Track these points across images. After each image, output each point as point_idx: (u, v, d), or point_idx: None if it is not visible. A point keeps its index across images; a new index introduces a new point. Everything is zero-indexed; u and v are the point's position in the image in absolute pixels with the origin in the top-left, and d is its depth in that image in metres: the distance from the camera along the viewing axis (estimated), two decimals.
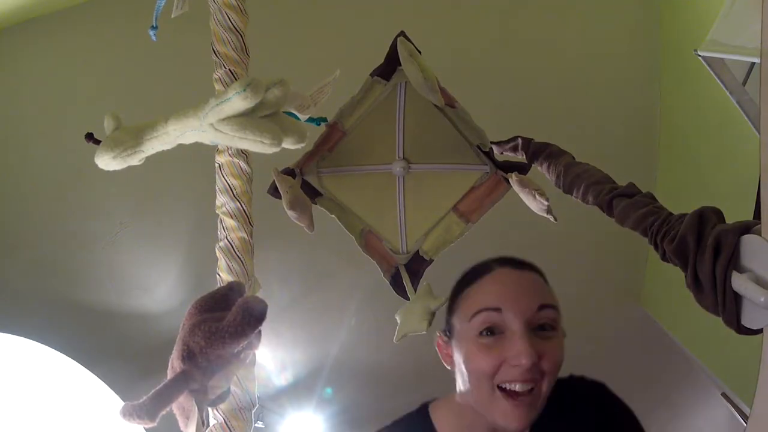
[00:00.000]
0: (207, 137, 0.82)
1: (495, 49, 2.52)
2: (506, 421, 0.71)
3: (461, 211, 1.24)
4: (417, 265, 1.26)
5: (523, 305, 0.74)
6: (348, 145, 1.19)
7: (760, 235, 0.60)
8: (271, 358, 3.22)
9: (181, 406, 0.53)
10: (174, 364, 0.53)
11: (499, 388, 0.71)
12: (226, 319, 0.50)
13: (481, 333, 0.74)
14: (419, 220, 1.26)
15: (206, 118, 0.78)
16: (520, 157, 1.23)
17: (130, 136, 0.83)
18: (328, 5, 2.49)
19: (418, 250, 1.27)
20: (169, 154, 0.88)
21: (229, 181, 0.94)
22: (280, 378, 3.23)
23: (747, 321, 0.62)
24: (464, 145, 1.19)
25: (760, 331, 0.61)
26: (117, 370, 2.64)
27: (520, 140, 1.22)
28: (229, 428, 0.85)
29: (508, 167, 1.19)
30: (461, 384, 0.78)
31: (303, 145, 0.89)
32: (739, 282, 0.61)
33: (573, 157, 1.11)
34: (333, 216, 1.22)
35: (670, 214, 0.78)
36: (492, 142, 1.25)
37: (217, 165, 0.96)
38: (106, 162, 0.83)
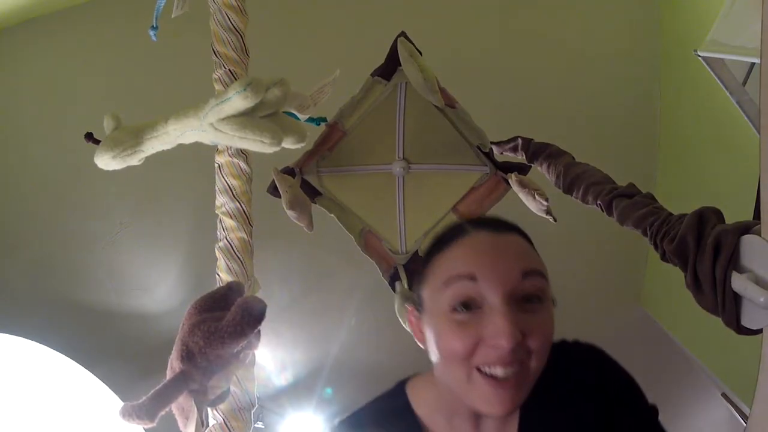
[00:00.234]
0: (207, 137, 0.82)
1: (495, 48, 2.52)
2: (488, 406, 0.61)
3: (461, 211, 1.24)
4: (416, 265, 1.26)
5: (503, 273, 0.62)
6: (348, 144, 1.19)
7: (760, 236, 0.60)
8: (270, 358, 3.21)
9: (181, 406, 0.53)
10: (173, 365, 0.53)
11: (478, 370, 0.61)
12: (225, 319, 0.50)
13: (454, 308, 0.62)
14: (419, 220, 1.27)
15: (206, 117, 0.78)
16: (520, 157, 1.23)
17: (129, 136, 0.83)
18: (328, 5, 2.49)
19: (417, 251, 1.27)
20: (169, 154, 0.88)
21: (228, 181, 0.94)
22: (280, 378, 3.23)
23: (747, 321, 0.62)
24: (464, 146, 1.19)
25: (759, 331, 0.61)
26: (117, 370, 2.64)
27: (520, 140, 1.22)
28: (228, 428, 0.85)
29: (507, 168, 1.19)
30: (435, 364, 0.68)
31: (303, 145, 0.89)
32: (738, 282, 0.61)
33: (573, 158, 1.12)
34: (332, 215, 1.23)
35: (670, 214, 0.78)
36: (492, 143, 1.25)
37: (216, 165, 0.96)
38: (106, 162, 0.84)
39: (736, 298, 0.62)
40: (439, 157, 1.24)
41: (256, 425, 3.04)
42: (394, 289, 1.22)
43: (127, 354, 2.93)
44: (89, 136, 0.86)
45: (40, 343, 2.42)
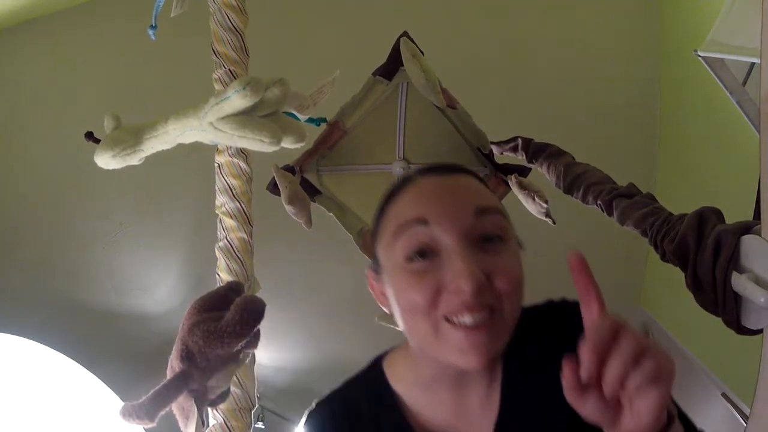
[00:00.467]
0: (207, 136, 0.82)
1: (494, 49, 2.52)
2: (462, 357, 0.56)
3: None
4: None
5: (455, 212, 0.58)
6: (348, 144, 1.19)
7: (760, 236, 0.60)
8: (270, 358, 3.22)
9: (181, 406, 0.53)
10: (173, 364, 0.53)
11: (446, 320, 0.56)
12: (224, 319, 0.50)
13: (409, 257, 0.58)
14: None
15: (206, 117, 0.78)
16: (520, 157, 1.23)
17: (129, 136, 0.83)
18: (328, 5, 2.49)
19: None
20: (169, 154, 0.88)
21: (228, 181, 0.94)
22: (280, 378, 3.23)
23: (747, 321, 0.62)
24: (464, 147, 1.19)
25: (760, 331, 0.61)
26: (117, 370, 2.64)
27: (520, 140, 1.22)
28: (228, 428, 0.85)
29: (507, 169, 1.19)
30: (401, 326, 0.63)
31: (302, 144, 0.89)
32: (739, 282, 0.61)
33: (573, 158, 1.12)
34: (331, 214, 1.23)
35: (670, 214, 0.78)
36: (492, 143, 1.25)
37: (216, 165, 0.96)
38: (106, 161, 0.83)
39: (736, 298, 0.62)
40: (439, 158, 1.24)
41: (256, 425, 3.04)
42: None
43: (127, 354, 2.93)
44: (89, 136, 0.86)
45: (40, 343, 2.42)
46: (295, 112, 0.99)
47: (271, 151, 0.84)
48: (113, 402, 2.50)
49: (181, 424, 0.55)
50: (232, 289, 0.59)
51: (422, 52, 1.07)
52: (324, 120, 1.10)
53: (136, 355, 2.90)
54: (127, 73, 2.50)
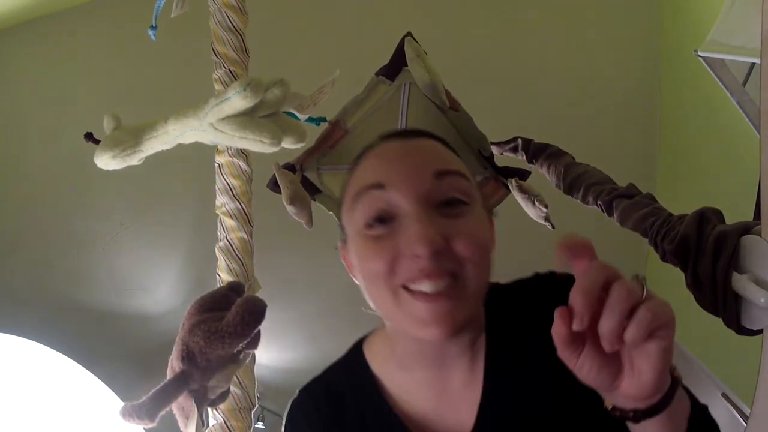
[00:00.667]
0: (207, 137, 0.82)
1: (494, 49, 2.52)
2: (422, 327, 0.53)
3: None
4: None
5: (412, 176, 0.55)
6: (349, 143, 1.18)
7: (760, 236, 0.60)
8: (270, 358, 3.22)
9: (181, 406, 0.53)
10: (174, 365, 0.53)
11: (405, 289, 0.54)
12: (225, 319, 0.50)
13: (368, 223, 0.56)
14: None
15: (206, 117, 0.78)
16: (520, 157, 1.23)
17: (129, 136, 0.83)
18: (328, 5, 2.49)
19: None
20: (169, 155, 0.88)
21: (229, 181, 0.94)
22: (280, 378, 3.23)
23: (747, 321, 0.62)
24: (465, 149, 1.19)
25: (760, 331, 0.61)
26: (117, 370, 2.64)
27: (520, 141, 1.22)
28: (228, 428, 0.85)
29: (508, 173, 1.19)
30: (366, 297, 0.61)
31: (302, 144, 0.89)
32: (739, 282, 0.61)
33: (573, 158, 1.12)
34: (331, 213, 1.22)
35: (671, 214, 0.78)
36: (492, 143, 1.25)
37: (216, 165, 0.96)
38: (106, 161, 0.84)
39: (737, 298, 0.62)
40: None
41: (256, 425, 3.04)
42: None
43: (127, 354, 2.93)
44: (89, 136, 0.86)
45: (40, 343, 2.42)
46: (295, 112, 0.99)
47: (271, 152, 0.84)
48: (113, 402, 2.49)
49: (181, 424, 0.55)
50: (233, 290, 0.59)
51: (425, 53, 1.07)
52: (324, 120, 1.10)
53: (136, 355, 2.90)
54: (127, 73, 2.50)
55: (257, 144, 0.79)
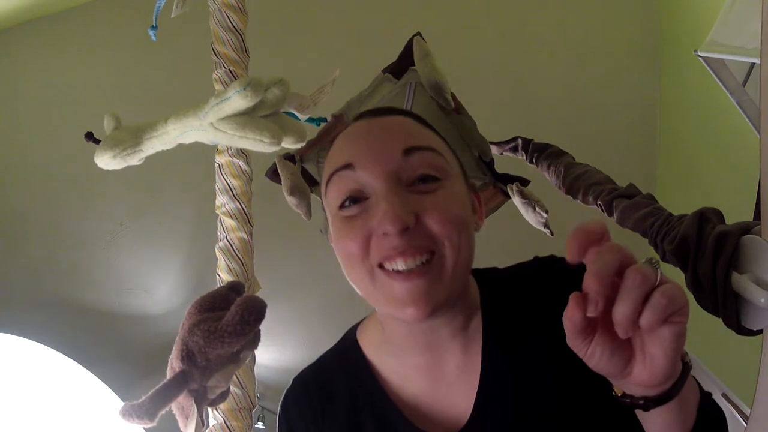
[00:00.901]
0: (207, 137, 0.82)
1: (494, 48, 2.52)
2: (401, 307, 0.52)
3: None
4: None
5: (380, 153, 0.55)
6: None
7: (760, 236, 0.60)
8: (270, 358, 3.22)
9: (181, 405, 0.53)
10: (173, 364, 0.53)
11: (381, 268, 0.53)
12: (224, 319, 0.50)
13: (342, 204, 0.56)
14: None
15: (206, 117, 0.78)
16: (520, 157, 1.23)
17: (129, 136, 0.83)
18: (328, 5, 2.49)
19: None
20: (169, 154, 0.88)
21: (229, 181, 0.94)
22: (280, 378, 3.23)
23: (747, 321, 0.62)
24: (465, 152, 1.19)
25: (760, 331, 0.61)
26: (117, 370, 2.64)
27: (520, 141, 1.22)
28: (228, 428, 0.85)
29: (508, 179, 1.18)
30: (347, 278, 0.60)
31: (302, 144, 0.89)
32: (739, 283, 0.60)
33: (573, 158, 1.12)
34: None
35: (670, 215, 0.78)
36: (492, 143, 1.25)
37: (217, 165, 0.96)
38: (106, 161, 0.84)
39: (737, 299, 0.62)
40: None
41: (256, 425, 3.04)
42: None
43: (127, 354, 2.93)
44: (89, 136, 0.86)
45: (40, 343, 2.42)
46: (295, 112, 0.99)
47: (271, 152, 0.84)
48: (113, 402, 2.50)
49: (180, 424, 0.55)
50: (233, 289, 0.59)
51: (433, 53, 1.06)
52: (324, 120, 1.10)
53: (136, 355, 2.91)
54: (127, 73, 2.50)
55: (257, 144, 0.79)
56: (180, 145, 0.86)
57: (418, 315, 0.52)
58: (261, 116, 0.80)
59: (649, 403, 0.45)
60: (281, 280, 2.88)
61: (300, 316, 3.08)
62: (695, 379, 0.53)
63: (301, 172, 1.14)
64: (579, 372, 0.46)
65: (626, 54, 2.53)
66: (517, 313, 0.63)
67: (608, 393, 0.49)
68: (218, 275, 0.94)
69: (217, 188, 0.96)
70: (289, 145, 0.87)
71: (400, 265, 0.52)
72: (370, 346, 0.67)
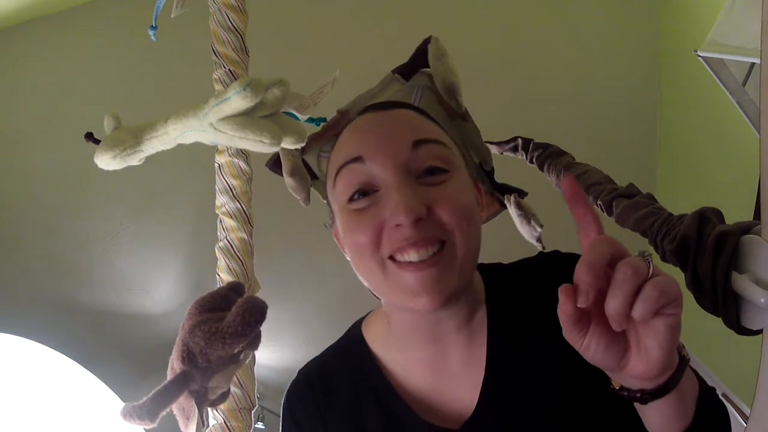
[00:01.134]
0: (207, 137, 0.82)
1: (494, 49, 2.52)
2: (413, 297, 0.53)
3: None
4: None
5: (390, 146, 0.55)
6: None
7: (760, 236, 0.60)
8: (270, 358, 3.22)
9: (181, 406, 0.53)
10: (174, 365, 0.53)
11: (392, 260, 0.54)
12: (225, 320, 0.50)
13: (351, 197, 0.56)
14: None
15: (206, 117, 0.78)
16: (520, 157, 1.23)
17: (129, 136, 0.83)
18: (328, 5, 2.49)
19: None
20: (169, 154, 0.88)
21: (229, 182, 0.94)
22: (280, 378, 3.23)
23: (747, 321, 0.62)
24: (467, 159, 1.19)
25: (760, 331, 0.61)
26: (117, 370, 2.64)
27: (520, 140, 1.22)
28: (228, 428, 0.85)
29: (506, 189, 1.18)
30: (356, 271, 0.61)
31: (303, 144, 0.89)
32: (739, 282, 0.60)
33: (573, 158, 1.12)
34: (325, 202, 1.21)
35: (670, 214, 0.78)
36: (492, 143, 1.25)
37: (217, 165, 0.96)
38: (106, 162, 0.83)
39: (736, 298, 0.62)
40: None
41: (256, 425, 3.04)
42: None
43: (127, 354, 2.93)
44: (89, 136, 0.86)
45: (40, 342, 2.42)
46: (295, 112, 0.99)
47: (271, 152, 0.84)
48: (113, 402, 2.50)
49: (181, 425, 0.55)
50: (233, 290, 0.59)
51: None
52: (324, 120, 1.10)
53: (136, 355, 2.90)
54: (127, 73, 2.50)
55: (257, 144, 0.79)
56: (180, 145, 0.86)
57: (431, 304, 0.52)
58: (261, 116, 0.80)
59: (647, 396, 0.45)
60: (281, 280, 2.88)
61: (300, 316, 3.08)
62: (697, 374, 0.53)
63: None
64: (582, 366, 0.46)
65: (626, 54, 2.53)
66: (521, 307, 0.64)
67: (609, 387, 0.49)
68: (218, 275, 0.94)
69: (217, 188, 0.96)
70: (289, 145, 0.86)
71: (412, 256, 0.52)
72: (375, 340, 0.68)
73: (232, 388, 0.87)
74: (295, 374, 0.71)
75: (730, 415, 0.57)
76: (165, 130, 0.82)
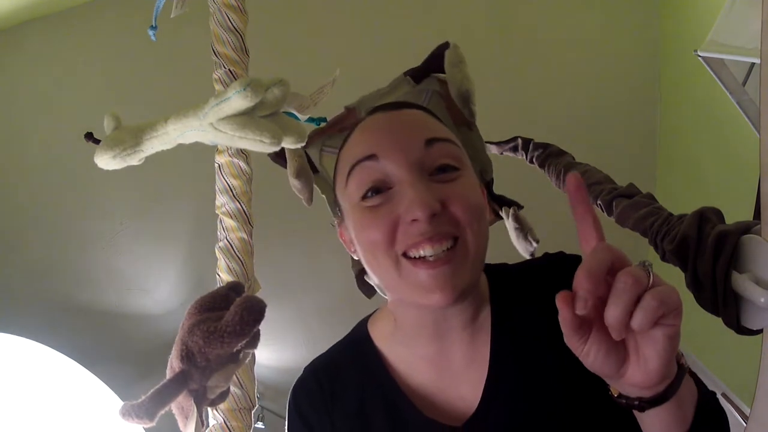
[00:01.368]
0: (207, 137, 0.82)
1: (494, 48, 2.52)
2: (426, 293, 0.53)
3: None
4: None
5: (404, 144, 0.56)
6: None
7: (760, 236, 0.60)
8: (270, 358, 3.22)
9: (181, 405, 0.53)
10: (173, 364, 0.53)
11: (406, 257, 0.54)
12: (224, 319, 0.50)
13: (364, 195, 0.57)
14: None
15: (206, 117, 0.78)
16: (520, 157, 1.23)
17: (129, 136, 0.83)
18: (329, 5, 2.49)
19: None
20: (169, 154, 0.88)
21: (229, 181, 0.94)
22: (280, 378, 3.23)
23: (747, 321, 0.62)
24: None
25: (760, 331, 0.61)
26: (117, 370, 2.64)
27: (520, 141, 1.22)
28: (228, 428, 0.85)
29: (503, 201, 1.18)
30: (366, 269, 0.61)
31: (303, 144, 0.89)
32: (739, 282, 0.60)
33: (573, 158, 1.12)
34: (323, 196, 1.21)
35: (670, 214, 0.78)
36: (492, 143, 1.25)
37: (217, 165, 0.96)
38: (106, 162, 0.83)
39: (736, 298, 0.62)
40: None
41: (256, 425, 3.04)
42: (358, 285, 1.16)
43: (127, 354, 2.93)
44: (89, 136, 0.86)
45: (40, 342, 2.42)
46: (295, 112, 0.99)
47: (271, 152, 0.84)
48: (113, 402, 2.50)
49: (180, 424, 0.55)
50: (233, 289, 0.59)
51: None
52: (324, 120, 1.10)
53: (136, 355, 2.90)
54: (127, 73, 2.50)
55: (257, 144, 0.79)
56: (180, 145, 0.86)
57: (444, 300, 0.53)
58: (261, 116, 0.80)
59: (644, 404, 0.45)
60: (281, 280, 2.88)
61: (300, 316, 3.08)
62: (697, 380, 0.53)
63: None
64: (585, 368, 0.46)
65: (626, 54, 2.53)
66: (525, 307, 0.64)
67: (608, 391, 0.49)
68: (218, 275, 0.94)
69: (217, 188, 0.96)
70: (289, 145, 0.86)
71: (427, 251, 0.53)
72: (381, 337, 0.69)
73: (232, 388, 0.87)
74: (295, 374, 0.72)
75: (730, 415, 0.56)
76: (165, 130, 0.82)
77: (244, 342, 0.51)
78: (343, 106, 1.05)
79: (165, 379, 0.52)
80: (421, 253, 0.53)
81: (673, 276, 0.81)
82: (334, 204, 0.67)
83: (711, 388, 0.57)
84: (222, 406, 0.86)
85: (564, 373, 0.59)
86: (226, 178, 0.94)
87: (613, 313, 0.40)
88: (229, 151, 0.94)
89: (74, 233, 2.76)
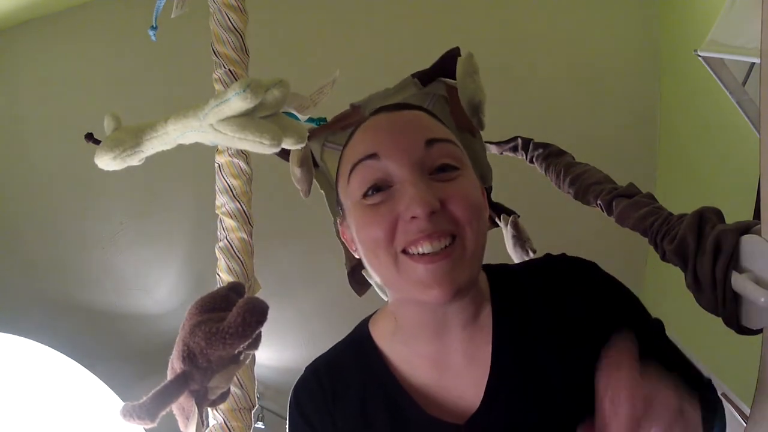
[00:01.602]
0: (207, 137, 0.82)
1: (494, 48, 2.52)
2: (425, 289, 0.54)
3: None
4: None
5: (405, 144, 0.58)
6: None
7: (760, 236, 0.60)
8: (270, 358, 3.22)
9: (181, 406, 0.53)
10: (174, 365, 0.53)
11: (405, 253, 0.56)
12: (226, 320, 0.50)
13: (365, 193, 0.58)
14: None
15: (206, 118, 0.78)
16: (520, 157, 1.23)
17: (129, 136, 0.83)
18: (329, 6, 2.49)
19: None
20: (169, 154, 0.88)
21: (229, 182, 0.94)
22: (280, 378, 3.23)
23: (747, 321, 0.62)
24: None
25: (760, 331, 0.61)
26: (117, 370, 2.64)
27: (520, 140, 1.22)
28: (228, 428, 0.85)
29: (500, 209, 1.18)
30: (367, 267, 0.62)
31: (303, 145, 0.89)
32: (739, 282, 0.60)
33: (573, 158, 1.12)
34: (322, 192, 1.21)
35: (670, 214, 0.78)
36: (492, 143, 1.25)
37: (217, 165, 0.96)
38: (106, 162, 0.83)
39: (736, 298, 0.62)
40: None
41: (256, 425, 3.04)
42: (350, 282, 1.14)
43: (127, 354, 2.93)
44: (89, 137, 0.86)
45: (40, 342, 2.42)
46: (295, 113, 0.99)
47: (271, 152, 0.84)
48: (113, 402, 2.50)
49: (181, 425, 0.55)
50: (234, 290, 0.59)
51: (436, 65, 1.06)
52: (324, 120, 1.10)
53: (136, 355, 2.91)
54: (127, 73, 2.50)
55: (257, 145, 0.79)
56: (180, 146, 0.86)
57: (442, 296, 0.54)
58: (261, 117, 0.80)
59: None
60: (281, 280, 2.88)
61: (300, 316, 3.08)
62: (696, 380, 0.54)
63: None
64: (585, 366, 0.47)
65: (626, 54, 2.53)
66: (525, 307, 0.65)
67: None
68: (218, 275, 0.94)
69: (217, 188, 0.96)
70: (289, 146, 0.86)
71: (426, 247, 0.54)
72: (382, 337, 0.69)
73: (232, 388, 0.87)
74: (295, 374, 0.72)
75: (730, 415, 0.57)
76: (165, 130, 0.82)
77: (245, 343, 0.51)
78: (350, 103, 1.05)
79: (166, 379, 0.52)
80: (420, 249, 0.55)
81: (674, 276, 0.81)
82: (336, 202, 0.67)
83: None
84: (222, 406, 0.86)
85: (565, 371, 0.60)
86: (226, 178, 0.94)
87: None
88: (229, 151, 0.94)
89: (74, 233, 2.76)
